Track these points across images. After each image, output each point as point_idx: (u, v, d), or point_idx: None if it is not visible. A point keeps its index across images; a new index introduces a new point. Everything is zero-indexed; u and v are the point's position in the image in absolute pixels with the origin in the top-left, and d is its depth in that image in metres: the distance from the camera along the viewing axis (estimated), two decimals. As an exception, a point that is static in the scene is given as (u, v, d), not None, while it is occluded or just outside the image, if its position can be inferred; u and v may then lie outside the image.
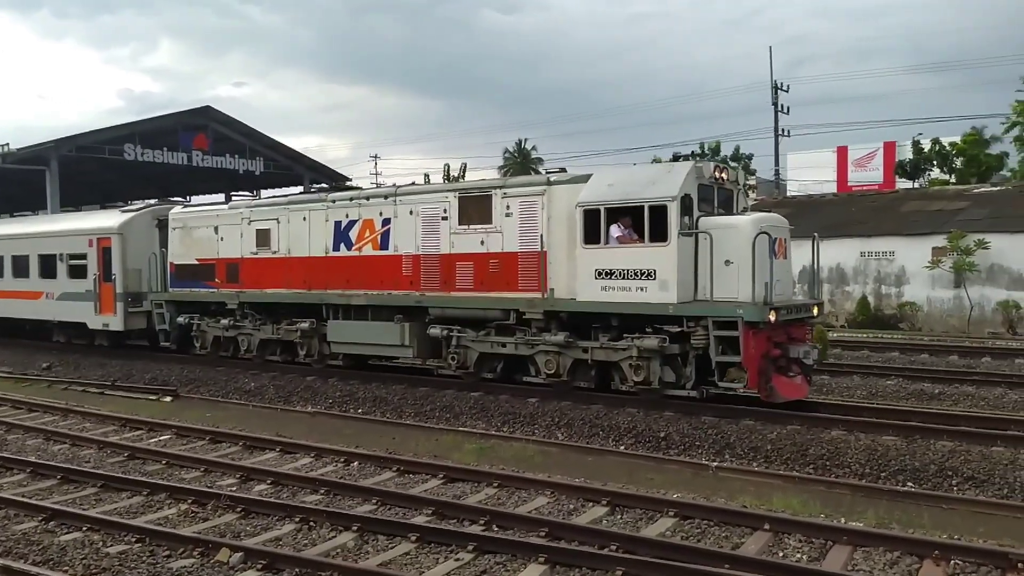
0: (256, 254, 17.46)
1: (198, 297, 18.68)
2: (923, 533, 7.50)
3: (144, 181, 44.22)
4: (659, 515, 8.09)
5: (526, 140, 65.80)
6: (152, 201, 25.82)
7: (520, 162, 61.59)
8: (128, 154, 36.34)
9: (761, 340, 11.66)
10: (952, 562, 6.78)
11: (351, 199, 16.12)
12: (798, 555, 7.12)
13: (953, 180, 45.31)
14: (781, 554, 7.14)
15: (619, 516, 8.22)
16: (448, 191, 14.67)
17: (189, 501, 8.77)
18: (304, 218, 16.57)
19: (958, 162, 46.54)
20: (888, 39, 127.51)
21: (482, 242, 14.02)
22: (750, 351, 11.50)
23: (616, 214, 12.47)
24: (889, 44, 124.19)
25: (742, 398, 12.62)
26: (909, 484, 9.35)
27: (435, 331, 14.53)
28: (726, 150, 49.23)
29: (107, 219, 21.38)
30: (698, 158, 12.49)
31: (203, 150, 38.33)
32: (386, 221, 15.33)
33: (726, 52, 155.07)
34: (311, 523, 8.00)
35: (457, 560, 7.02)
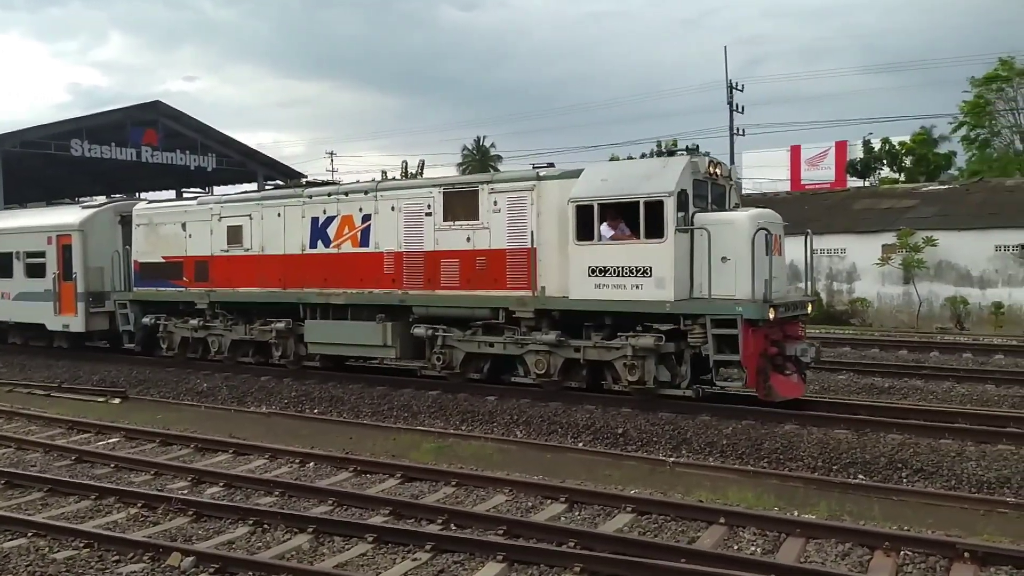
0: (227, 252, 16.87)
1: (165, 297, 18.01)
2: (874, 525, 7.64)
3: (91, 177, 43.14)
4: (617, 511, 8.12)
5: (485, 137, 65.72)
6: (117, 196, 25.04)
7: (479, 159, 61.48)
8: (75, 150, 35.38)
9: (759, 338, 11.46)
10: (902, 553, 6.91)
11: (329, 194, 15.59)
12: (753, 548, 7.20)
13: (902, 179, 46.45)
14: (736, 547, 7.22)
15: (577, 513, 8.23)
16: (432, 186, 14.32)
17: (139, 505, 8.57)
18: (279, 214, 16.08)
19: (907, 161, 47.72)
20: (840, 40, 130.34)
21: (468, 239, 13.65)
22: (749, 349, 11.28)
23: (610, 210, 12.19)
24: (841, 45, 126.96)
25: (739, 397, 12.48)
26: (860, 476, 9.53)
27: (419, 331, 14.11)
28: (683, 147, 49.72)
29: (67, 215, 20.58)
30: (693, 153, 12.11)
31: (153, 146, 37.50)
32: (366, 217, 14.88)
33: (683, 51, 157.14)
34: (265, 525, 7.86)
35: (415, 560, 6.96)
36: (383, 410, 13.56)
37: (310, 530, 7.64)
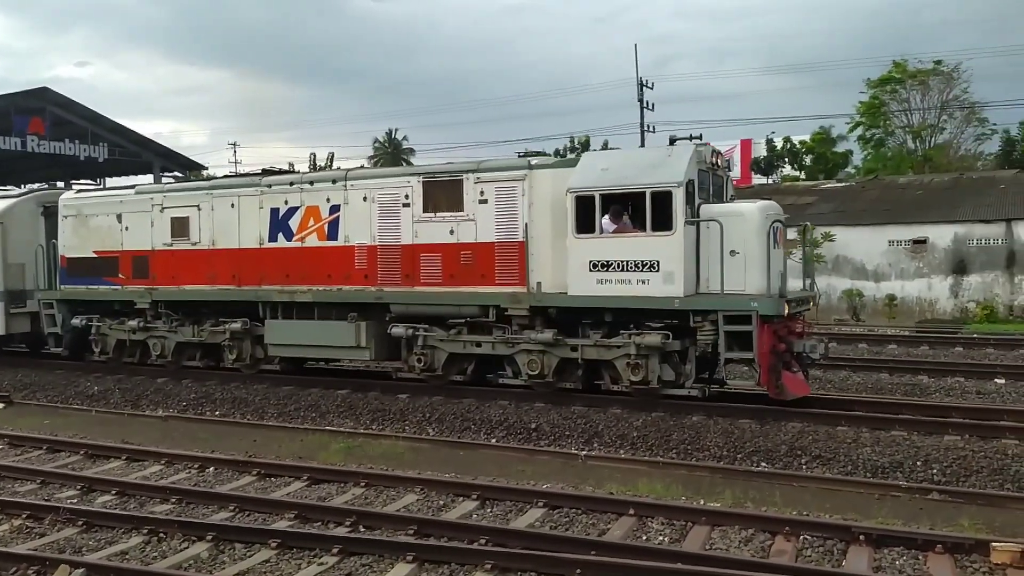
0: (171, 246, 15.45)
1: (98, 296, 16.44)
2: (775, 511, 7.87)
3: (-30, 169, 40.56)
4: (529, 506, 8.13)
5: (397, 130, 64.35)
6: (36, 186, 23.06)
7: (391, 152, 60.57)
8: (-49, 140, 33.16)
9: (771, 335, 11.07)
10: (801, 537, 7.12)
11: (291, 183, 14.46)
12: (660, 537, 7.31)
13: (803, 176, 48.40)
14: (644, 537, 7.32)
15: (490, 509, 8.19)
16: (411, 175, 13.55)
17: (23, 516, 8.07)
18: (232, 204, 14.77)
19: (807, 159, 49.72)
20: (746, 41, 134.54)
21: (452, 231, 12.81)
22: (764, 347, 10.85)
23: (612, 201, 11.62)
24: (747, 46, 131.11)
25: (745, 396, 12.07)
26: (763, 464, 9.80)
27: (399, 330, 13.15)
28: (595, 144, 50.40)
29: None
30: (696, 141, 11.62)
31: (40, 135, 35.45)
32: (334, 208, 13.80)
33: (596, 48, 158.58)
34: (161, 534, 7.52)
35: (321, 564, 6.80)
36: (289, 411, 13.20)
37: (209, 538, 7.36)
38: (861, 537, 6.92)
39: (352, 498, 8.61)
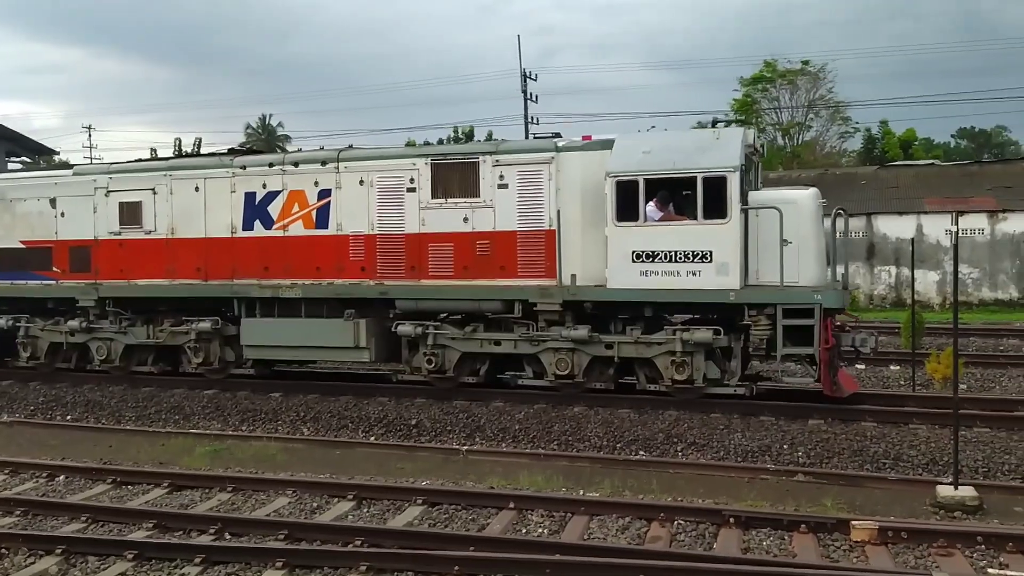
0: (120, 235, 13.73)
1: (27, 292, 14.57)
2: (652, 498, 8.02)
3: None
4: (408, 504, 7.96)
5: (271, 116, 61.82)
6: None
7: (264, 139, 58.22)
8: None
9: (830, 329, 10.58)
10: (676, 522, 7.26)
11: (271, 164, 13.04)
12: (540, 529, 7.28)
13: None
14: (524, 530, 7.27)
15: (366, 509, 7.96)
16: (417, 156, 12.36)
17: None
18: (197, 188, 13.19)
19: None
20: (628, 36, 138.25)
21: (466, 219, 11.80)
22: (826, 342, 10.36)
23: (659, 186, 10.86)
24: (629, 41, 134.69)
25: (795, 395, 11.38)
26: (641, 452, 9.97)
27: (406, 328, 12.05)
28: (480, 135, 50.43)
29: None
30: (738, 124, 10.82)
31: None
32: (324, 193, 12.53)
33: (481, 38, 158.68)
34: (3, 550, 6.90)
35: (183, 575, 6.42)
36: (149, 413, 12.47)
37: (58, 551, 6.84)
38: (731, 520, 7.12)
39: (218, 504, 8.19)
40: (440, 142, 45.27)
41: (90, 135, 61.83)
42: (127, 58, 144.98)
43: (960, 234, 27.12)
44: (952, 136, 73.92)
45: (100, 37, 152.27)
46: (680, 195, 11.15)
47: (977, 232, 28.23)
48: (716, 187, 10.52)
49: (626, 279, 10.94)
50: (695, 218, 10.72)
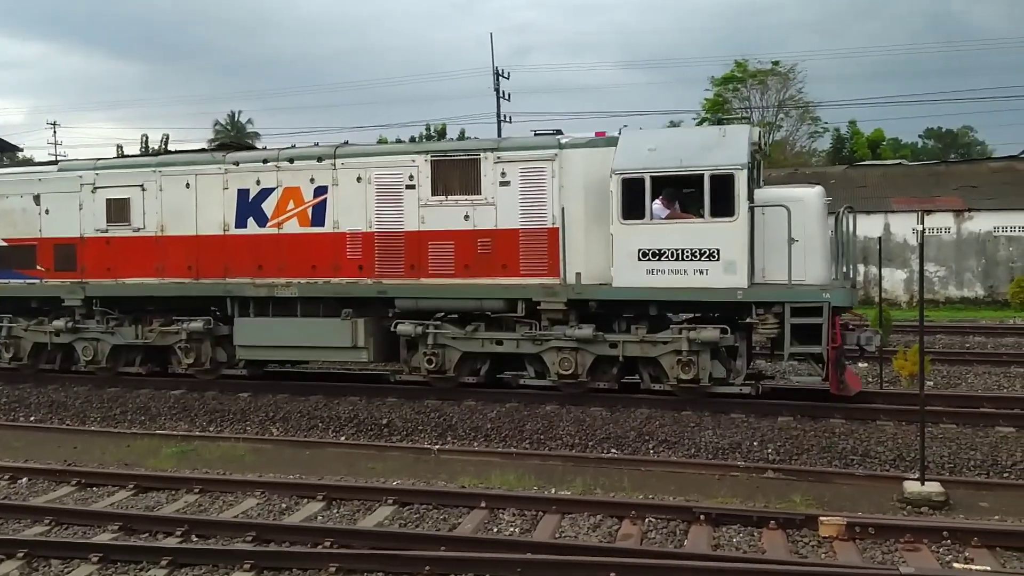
0: (107, 232, 13.45)
1: (9, 291, 14.22)
2: (623, 495, 8.02)
3: None
4: (378, 504, 7.89)
5: (240, 112, 60.78)
6: None
7: (233, 136, 57.46)
8: None
9: (838, 327, 10.58)
10: (646, 520, 7.27)
11: (264, 160, 12.79)
12: (512, 528, 7.25)
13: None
14: (496, 529, 7.24)
15: (336, 510, 7.87)
16: (416, 152, 12.18)
17: None
18: (187, 184, 12.94)
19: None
20: (602, 35, 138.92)
21: (467, 217, 11.66)
22: (834, 340, 10.34)
23: (665, 184, 10.84)
24: (603, 40, 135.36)
25: (795, 393, 11.56)
26: (613, 451, 9.99)
27: (406, 328, 11.90)
28: (452, 133, 50.32)
29: None
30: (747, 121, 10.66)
31: None
32: (320, 190, 12.33)
33: (456, 35, 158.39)
34: (-39, 556, 6.72)
35: (148, 577, 6.31)
36: (115, 414, 12.27)
37: (20, 555, 6.69)
38: (701, 517, 7.14)
39: (184, 506, 8.06)
40: (412, 140, 45.00)
41: (55, 132, 60.71)
42: (95, 54, 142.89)
43: (927, 233, 27.55)
44: (919, 136, 75.32)
45: (67, 32, 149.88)
46: (685, 193, 11.18)
47: (943, 231, 28.70)
48: (723, 185, 10.51)
49: (632, 277, 10.89)
50: (701, 216, 10.72)
